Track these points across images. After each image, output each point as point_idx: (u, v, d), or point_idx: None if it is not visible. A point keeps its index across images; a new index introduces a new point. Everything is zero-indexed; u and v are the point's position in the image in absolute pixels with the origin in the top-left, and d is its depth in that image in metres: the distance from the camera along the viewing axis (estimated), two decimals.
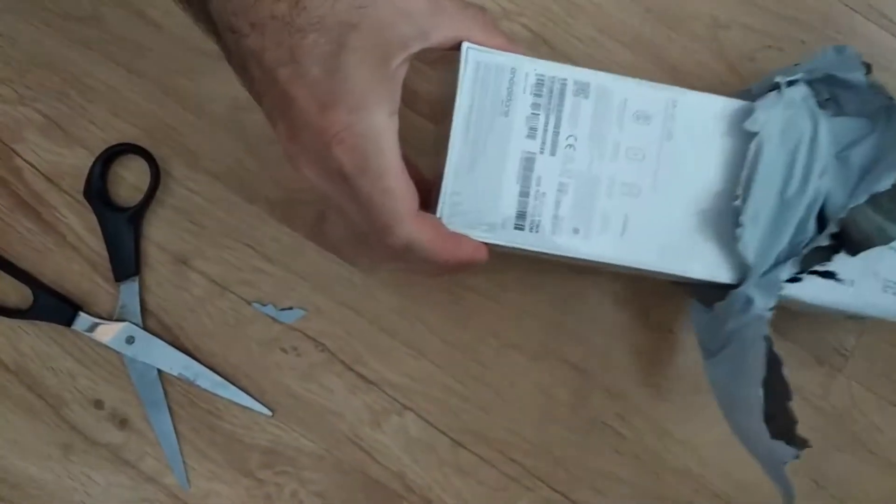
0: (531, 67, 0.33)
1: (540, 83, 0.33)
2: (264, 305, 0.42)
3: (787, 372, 0.33)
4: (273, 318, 0.42)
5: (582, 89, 0.33)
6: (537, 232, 0.32)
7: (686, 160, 0.33)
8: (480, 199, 0.32)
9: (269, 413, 0.41)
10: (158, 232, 0.42)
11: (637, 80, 0.34)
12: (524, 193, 0.32)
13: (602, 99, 0.33)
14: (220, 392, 0.41)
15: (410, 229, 0.29)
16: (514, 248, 0.33)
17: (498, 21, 0.44)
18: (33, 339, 0.42)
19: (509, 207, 0.32)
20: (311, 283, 0.42)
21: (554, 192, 0.32)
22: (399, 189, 0.28)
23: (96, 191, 0.41)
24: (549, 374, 0.42)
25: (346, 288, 0.42)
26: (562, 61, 0.44)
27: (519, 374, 0.42)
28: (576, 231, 0.32)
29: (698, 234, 0.34)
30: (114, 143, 0.42)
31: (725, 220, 0.34)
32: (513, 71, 0.32)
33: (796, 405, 0.42)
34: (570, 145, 0.32)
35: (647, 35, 0.44)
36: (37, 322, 0.41)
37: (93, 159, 0.42)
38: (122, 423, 0.41)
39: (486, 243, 0.32)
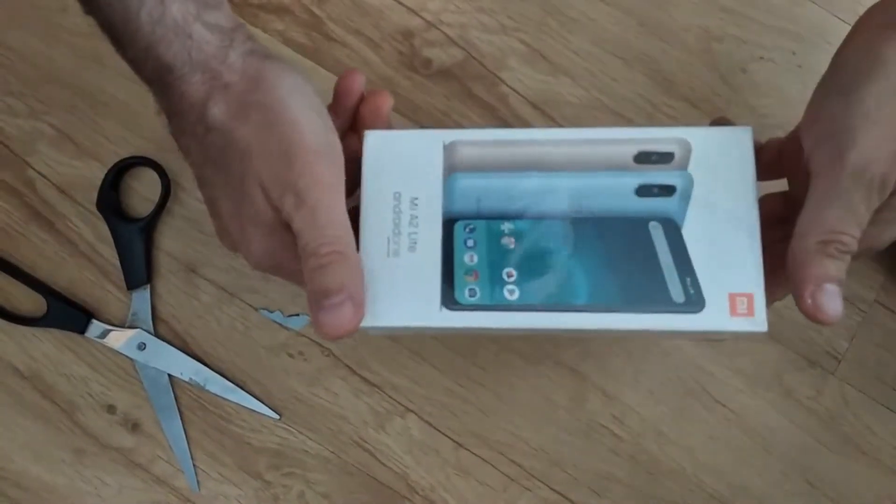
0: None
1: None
2: (272, 312, 0.43)
3: None
4: (280, 325, 0.42)
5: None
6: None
7: None
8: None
9: (277, 416, 0.42)
10: (169, 241, 0.43)
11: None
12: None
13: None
14: (229, 396, 0.41)
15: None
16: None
17: (496, 36, 0.45)
18: (47, 346, 0.42)
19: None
20: None
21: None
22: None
23: (109, 202, 0.42)
24: (547, 377, 0.42)
25: None
26: (558, 75, 0.45)
27: (517, 377, 0.42)
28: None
29: None
30: (125, 155, 0.42)
31: None
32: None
33: (789, 407, 0.43)
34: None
35: (641, 48, 0.45)
36: (50, 329, 0.42)
37: (105, 171, 0.42)
38: (134, 427, 0.42)
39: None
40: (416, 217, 0.30)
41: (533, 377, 0.42)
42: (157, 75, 0.28)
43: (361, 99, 0.32)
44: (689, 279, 0.30)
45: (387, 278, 0.29)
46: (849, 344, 0.43)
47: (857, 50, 0.28)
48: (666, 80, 0.44)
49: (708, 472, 0.42)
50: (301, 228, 0.27)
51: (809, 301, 0.28)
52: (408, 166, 0.30)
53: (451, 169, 0.30)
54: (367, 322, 0.29)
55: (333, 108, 0.32)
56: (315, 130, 0.27)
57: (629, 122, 0.44)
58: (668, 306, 0.29)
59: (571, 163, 0.30)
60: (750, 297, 0.30)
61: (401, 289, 0.29)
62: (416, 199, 0.30)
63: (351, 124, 0.32)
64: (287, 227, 0.28)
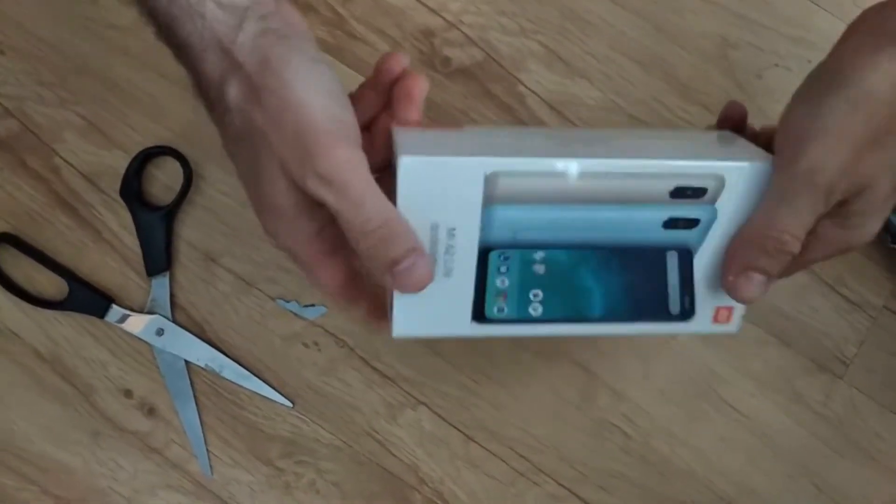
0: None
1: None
2: (288, 302, 0.43)
3: None
4: (296, 315, 0.43)
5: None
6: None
7: None
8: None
9: (290, 405, 0.42)
10: (189, 230, 0.43)
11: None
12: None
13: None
14: (244, 383, 0.42)
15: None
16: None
17: (515, 38, 0.45)
18: (67, 329, 0.42)
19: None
20: None
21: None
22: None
23: (132, 190, 0.42)
24: (559, 374, 0.42)
25: None
26: (576, 78, 0.45)
27: (529, 374, 0.42)
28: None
29: None
30: (150, 145, 0.43)
31: None
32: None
33: (798, 411, 0.42)
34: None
35: (658, 53, 0.45)
36: (71, 313, 0.42)
37: (129, 160, 0.42)
38: (150, 411, 0.42)
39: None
40: (454, 247, 0.30)
41: (545, 374, 0.42)
42: (177, 53, 0.28)
43: (398, 78, 0.31)
44: (688, 297, 0.32)
45: (422, 295, 0.30)
46: (858, 349, 0.42)
47: (828, 61, 0.29)
48: (682, 84, 0.44)
49: (716, 474, 0.42)
50: (338, 209, 0.27)
51: (731, 278, 0.30)
52: (446, 197, 0.29)
53: (490, 199, 0.30)
54: (401, 331, 0.30)
55: (371, 84, 0.32)
56: (325, 110, 0.27)
57: (645, 126, 0.44)
58: (665, 317, 0.33)
59: (609, 196, 0.31)
60: (731, 310, 0.33)
61: (435, 305, 0.31)
62: (454, 230, 0.30)
63: (386, 102, 0.32)
64: (307, 209, 0.28)
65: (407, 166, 0.28)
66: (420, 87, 0.30)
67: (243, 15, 0.27)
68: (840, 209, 0.29)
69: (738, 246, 0.30)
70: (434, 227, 0.29)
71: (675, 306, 0.32)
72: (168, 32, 0.27)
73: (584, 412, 0.42)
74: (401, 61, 0.31)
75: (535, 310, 0.32)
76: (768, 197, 0.29)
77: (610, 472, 0.42)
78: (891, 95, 0.27)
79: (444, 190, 0.29)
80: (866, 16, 0.30)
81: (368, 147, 0.29)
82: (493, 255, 0.31)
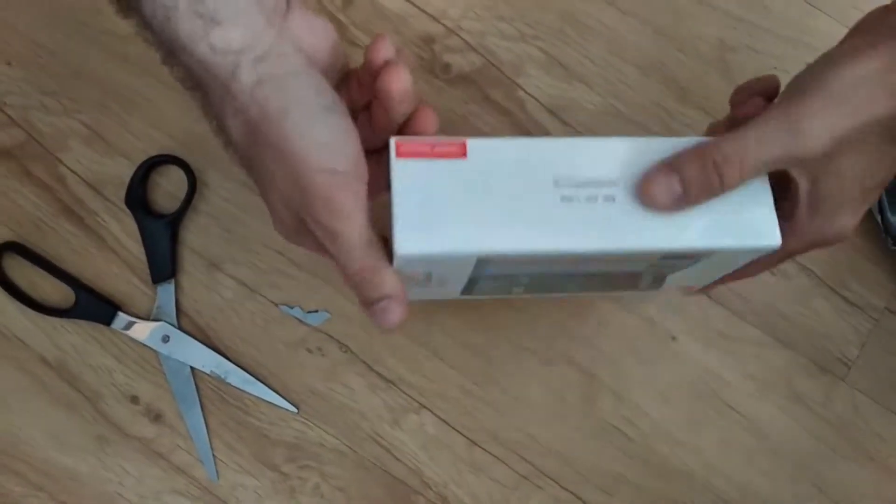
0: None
1: None
2: (291, 308, 0.43)
3: None
4: (299, 320, 0.43)
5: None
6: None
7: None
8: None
9: (295, 410, 0.42)
10: (193, 237, 0.44)
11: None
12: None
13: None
14: (249, 389, 0.42)
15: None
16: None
17: (514, 43, 0.45)
18: (74, 336, 0.43)
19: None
20: (336, 288, 0.43)
21: None
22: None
23: (137, 198, 0.42)
24: (560, 377, 0.42)
25: None
26: (575, 82, 0.45)
27: (531, 377, 0.43)
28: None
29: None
30: (153, 153, 0.43)
31: None
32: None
33: (799, 412, 0.43)
34: None
35: (657, 57, 0.45)
36: (78, 321, 0.42)
37: (133, 168, 0.43)
38: (156, 417, 0.42)
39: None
40: (445, 283, 0.33)
41: (546, 377, 0.42)
42: (180, 80, 0.29)
43: (382, 66, 0.30)
44: (659, 279, 0.34)
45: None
46: (859, 351, 0.43)
47: (814, 64, 0.30)
48: (681, 88, 0.45)
49: (717, 475, 0.42)
50: (331, 250, 0.29)
51: (650, 175, 0.29)
52: (440, 265, 0.30)
53: (482, 263, 0.30)
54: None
55: (362, 74, 0.31)
56: (323, 163, 0.27)
57: (644, 129, 0.44)
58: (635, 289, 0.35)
59: (603, 262, 0.31)
60: (693, 287, 0.36)
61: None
62: (446, 279, 0.32)
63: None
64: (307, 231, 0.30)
65: (401, 258, 0.28)
66: (398, 82, 0.29)
67: (237, 61, 0.27)
68: (812, 192, 0.29)
69: (678, 153, 0.29)
70: (427, 274, 0.31)
71: (644, 284, 0.34)
72: (171, 62, 0.28)
73: (586, 415, 0.42)
74: (382, 51, 0.29)
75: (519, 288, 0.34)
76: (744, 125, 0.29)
77: (612, 475, 0.42)
78: (880, 86, 0.28)
79: (438, 263, 0.30)
80: (868, 16, 0.31)
81: (367, 126, 0.30)
82: (482, 282, 0.33)
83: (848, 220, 0.30)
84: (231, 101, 0.27)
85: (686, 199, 0.29)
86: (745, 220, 0.29)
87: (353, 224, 0.28)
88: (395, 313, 0.29)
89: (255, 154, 0.28)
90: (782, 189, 0.30)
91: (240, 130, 0.28)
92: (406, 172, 0.28)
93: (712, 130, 0.36)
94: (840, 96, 0.28)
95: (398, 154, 0.28)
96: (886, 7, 0.30)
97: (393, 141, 0.29)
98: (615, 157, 0.29)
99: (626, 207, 0.29)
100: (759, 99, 0.33)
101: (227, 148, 0.30)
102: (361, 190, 0.28)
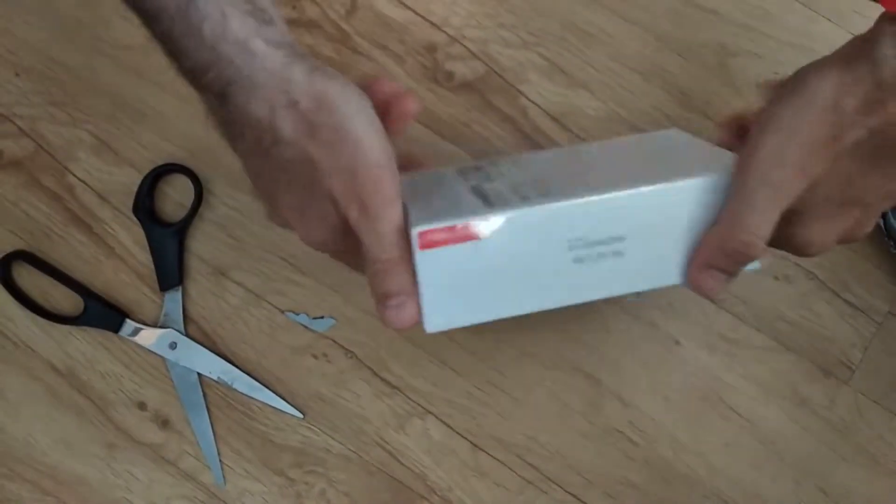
0: (449, 168, 0.34)
1: (461, 170, 0.34)
2: (297, 314, 0.43)
3: None
4: (305, 327, 0.43)
5: (496, 162, 0.34)
6: (503, 202, 0.30)
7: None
8: (449, 209, 0.31)
9: (301, 416, 0.42)
10: (200, 245, 0.44)
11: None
12: (485, 201, 0.31)
13: (519, 163, 0.34)
14: (255, 395, 0.42)
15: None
16: (493, 253, 0.30)
17: (516, 51, 0.46)
18: (83, 343, 0.43)
19: (476, 205, 0.31)
20: (342, 295, 0.43)
21: (508, 187, 0.32)
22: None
23: (144, 207, 0.43)
24: (564, 382, 0.43)
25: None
26: (577, 89, 0.46)
27: (535, 382, 0.43)
28: (539, 193, 0.31)
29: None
30: (160, 163, 0.43)
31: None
32: (436, 173, 0.34)
33: (803, 416, 0.42)
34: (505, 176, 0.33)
35: (658, 62, 0.45)
36: (86, 328, 0.43)
37: (140, 178, 0.43)
38: (164, 423, 0.43)
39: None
40: None
41: (550, 382, 0.43)
42: (216, 87, 0.29)
43: (391, 101, 0.32)
44: None
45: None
46: (863, 354, 0.42)
47: (795, 74, 0.31)
48: (682, 93, 0.45)
49: (722, 479, 0.42)
50: (364, 236, 0.29)
51: (694, 273, 0.31)
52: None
53: None
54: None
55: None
56: (376, 146, 0.29)
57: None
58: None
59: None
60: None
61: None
62: None
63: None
64: (343, 233, 0.30)
65: (429, 333, 0.30)
66: (414, 104, 0.32)
67: (291, 52, 0.28)
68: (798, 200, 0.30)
69: (704, 245, 0.31)
70: None
71: None
72: (209, 68, 0.28)
73: (591, 420, 0.42)
74: (388, 87, 0.32)
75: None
76: (731, 196, 0.30)
77: (616, 479, 0.42)
78: (831, 103, 0.28)
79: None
80: (847, 44, 0.31)
81: None
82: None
83: (817, 231, 0.31)
84: (285, 93, 0.28)
85: (731, 278, 0.31)
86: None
87: (394, 211, 0.29)
88: (408, 312, 0.29)
89: (305, 151, 0.28)
90: None
91: (291, 125, 0.28)
92: (430, 262, 0.30)
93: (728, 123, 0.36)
94: (790, 130, 0.29)
95: (422, 246, 0.30)
96: (862, 35, 0.30)
97: (415, 234, 0.29)
98: (622, 213, 0.31)
99: (633, 258, 0.31)
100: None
101: (257, 155, 0.30)
102: (398, 181, 0.30)
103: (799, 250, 0.32)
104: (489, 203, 0.31)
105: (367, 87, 0.32)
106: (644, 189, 0.31)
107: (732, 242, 0.30)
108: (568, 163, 0.36)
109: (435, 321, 0.30)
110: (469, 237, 0.30)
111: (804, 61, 0.45)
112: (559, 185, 0.32)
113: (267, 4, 0.29)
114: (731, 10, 0.46)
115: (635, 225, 0.31)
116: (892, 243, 0.42)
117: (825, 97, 0.28)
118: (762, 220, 0.29)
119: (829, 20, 0.45)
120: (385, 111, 0.32)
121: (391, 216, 0.29)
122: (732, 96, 0.45)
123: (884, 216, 0.42)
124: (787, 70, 0.44)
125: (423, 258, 0.30)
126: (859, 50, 0.28)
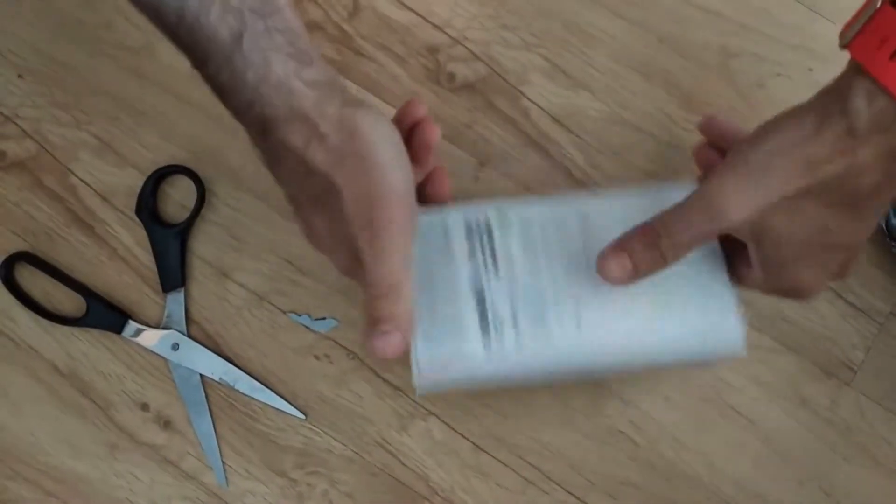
0: (457, 215, 0.35)
1: (469, 228, 0.35)
2: (300, 315, 0.43)
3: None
4: (307, 328, 0.43)
5: (504, 222, 0.35)
6: (502, 345, 0.33)
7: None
8: (450, 340, 0.34)
9: (303, 416, 0.42)
10: (203, 246, 0.44)
11: (550, 199, 0.36)
12: (484, 325, 0.34)
13: (524, 225, 0.35)
14: (258, 396, 0.42)
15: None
16: (487, 379, 0.34)
17: (518, 52, 0.46)
18: (85, 344, 0.43)
19: (476, 341, 0.33)
20: (344, 296, 0.43)
21: (509, 314, 0.34)
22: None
23: (147, 208, 0.43)
24: (566, 382, 0.42)
25: None
26: (579, 90, 0.46)
27: None
28: (537, 335, 0.34)
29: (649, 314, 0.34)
30: (163, 164, 0.43)
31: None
32: (444, 224, 0.35)
33: (805, 416, 0.42)
34: (509, 267, 0.34)
35: (660, 64, 0.45)
36: (89, 329, 0.43)
37: (143, 179, 0.43)
38: (166, 424, 0.43)
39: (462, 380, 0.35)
40: None
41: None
42: (258, 123, 0.31)
43: (417, 123, 0.35)
44: None
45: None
46: (865, 355, 0.42)
47: (757, 129, 0.32)
48: (684, 94, 0.45)
49: (724, 480, 0.42)
50: (368, 261, 0.30)
51: (606, 252, 0.33)
52: None
53: None
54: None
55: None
56: (399, 177, 0.31)
57: (648, 136, 0.44)
58: None
59: None
60: None
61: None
62: None
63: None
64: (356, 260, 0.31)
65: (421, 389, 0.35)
66: (435, 137, 0.34)
67: (327, 90, 0.31)
68: (758, 251, 0.32)
69: (625, 234, 0.33)
70: None
71: None
72: (251, 108, 0.30)
73: (592, 420, 0.42)
74: (420, 109, 0.35)
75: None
76: (674, 204, 0.32)
77: (618, 479, 0.42)
78: (801, 150, 0.29)
79: None
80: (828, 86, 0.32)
81: None
82: None
83: (805, 276, 0.32)
84: (316, 128, 0.30)
85: (636, 273, 0.32)
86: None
87: (402, 239, 0.30)
88: (395, 343, 0.30)
89: (332, 181, 0.30)
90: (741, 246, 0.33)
91: (322, 157, 0.30)
92: (428, 380, 0.34)
93: (699, 151, 0.39)
94: (757, 172, 0.30)
95: (422, 371, 0.34)
96: (840, 75, 0.30)
97: (416, 361, 0.34)
98: (618, 363, 0.36)
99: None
100: (713, 154, 0.37)
101: (294, 183, 0.32)
102: (413, 210, 0.31)
103: (797, 295, 0.34)
104: (487, 333, 0.34)
105: (399, 112, 0.34)
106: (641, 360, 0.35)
107: (649, 229, 0.32)
108: (570, 265, 0.35)
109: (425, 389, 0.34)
110: (468, 369, 0.34)
111: (805, 62, 0.45)
112: (557, 323, 0.34)
113: (306, 46, 0.31)
114: (732, 10, 0.46)
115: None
116: (893, 244, 0.42)
117: (796, 143, 0.29)
118: (686, 232, 0.31)
119: (830, 21, 0.45)
120: (410, 140, 0.34)
121: (398, 244, 0.30)
122: (734, 97, 0.45)
123: (886, 218, 0.42)
124: (788, 70, 0.45)
125: (422, 380, 0.34)
126: (833, 100, 0.29)
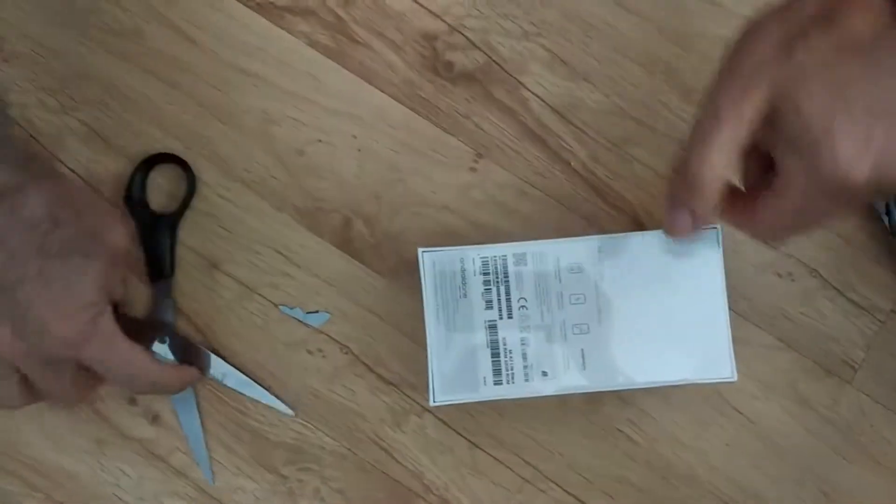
0: (475, 253, 0.37)
1: (485, 263, 0.37)
2: (292, 309, 0.42)
3: None
4: (299, 321, 0.42)
5: (520, 259, 0.37)
6: (513, 383, 0.36)
7: (620, 293, 0.37)
8: (462, 369, 0.36)
9: (294, 412, 0.41)
10: (192, 237, 0.43)
11: (564, 239, 0.37)
12: (495, 355, 0.36)
13: (539, 261, 0.37)
14: (247, 391, 0.41)
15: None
16: (497, 400, 0.37)
17: (517, 41, 0.44)
18: None
19: (486, 370, 0.36)
20: (337, 288, 0.42)
21: (519, 347, 0.36)
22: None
23: (136, 197, 0.41)
24: None
25: (370, 293, 0.42)
26: (579, 81, 0.45)
27: None
28: (545, 374, 0.36)
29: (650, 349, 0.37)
30: (152, 152, 0.42)
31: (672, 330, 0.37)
32: (461, 260, 0.37)
33: (805, 415, 0.42)
34: (523, 306, 0.36)
35: (660, 55, 0.44)
36: None
37: (131, 167, 0.42)
38: (155, 419, 0.42)
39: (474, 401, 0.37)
40: None
41: None
42: None
43: None
44: None
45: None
46: (865, 353, 0.42)
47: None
48: (684, 86, 0.44)
49: (722, 479, 0.41)
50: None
51: (666, 215, 0.33)
52: None
53: None
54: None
55: None
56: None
57: (648, 128, 0.43)
58: None
59: None
60: None
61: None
62: None
63: None
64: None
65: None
66: None
67: None
68: (789, 127, 0.27)
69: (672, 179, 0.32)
70: None
71: None
72: None
73: (590, 418, 0.41)
74: None
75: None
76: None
77: (616, 478, 0.41)
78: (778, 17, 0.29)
79: None
80: None
81: None
82: None
83: (847, 147, 0.25)
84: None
85: (702, 217, 0.32)
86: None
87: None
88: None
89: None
90: (763, 171, 0.31)
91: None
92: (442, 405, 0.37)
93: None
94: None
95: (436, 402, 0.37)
96: None
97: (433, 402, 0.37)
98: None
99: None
100: (686, 216, 0.34)
101: None
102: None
103: (843, 181, 0.26)
104: (499, 373, 0.36)
105: None
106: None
107: (685, 167, 0.30)
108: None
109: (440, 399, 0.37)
110: (478, 398, 0.37)
111: None
112: (564, 365, 0.37)
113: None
114: (733, 2, 0.45)
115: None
116: (895, 239, 0.41)
117: (771, 25, 0.29)
118: (714, 153, 0.30)
119: None
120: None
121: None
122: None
123: (889, 214, 0.42)
124: None
125: (434, 404, 0.37)
126: None
